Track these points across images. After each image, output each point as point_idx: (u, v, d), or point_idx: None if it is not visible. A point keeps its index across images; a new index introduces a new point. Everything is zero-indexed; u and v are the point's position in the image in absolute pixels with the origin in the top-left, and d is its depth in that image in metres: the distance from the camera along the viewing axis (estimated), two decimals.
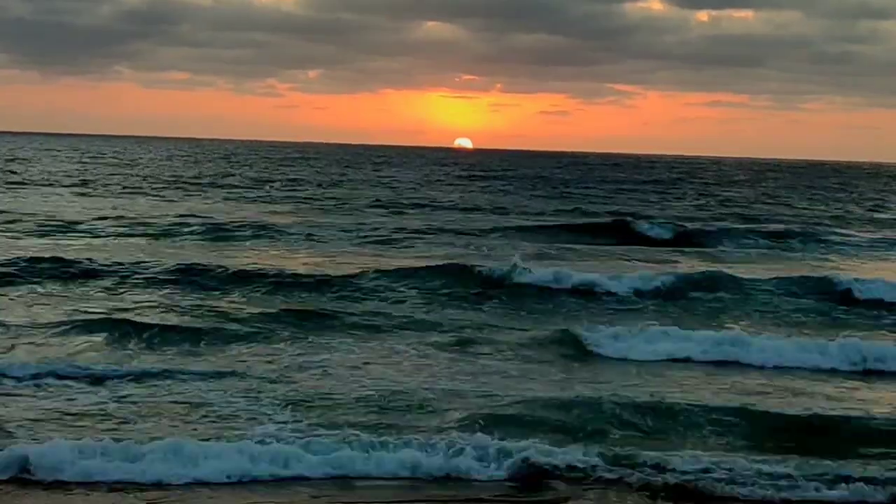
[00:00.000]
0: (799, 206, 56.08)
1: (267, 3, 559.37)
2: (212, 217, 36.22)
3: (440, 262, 24.91)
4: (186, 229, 32.16)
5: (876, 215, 50.17)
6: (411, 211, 43.70)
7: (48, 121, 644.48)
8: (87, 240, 29.47)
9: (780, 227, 39.11)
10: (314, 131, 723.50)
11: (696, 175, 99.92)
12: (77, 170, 70.46)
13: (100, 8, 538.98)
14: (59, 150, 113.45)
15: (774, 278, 23.86)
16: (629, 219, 38.77)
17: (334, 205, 45.64)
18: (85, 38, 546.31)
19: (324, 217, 38.95)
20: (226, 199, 47.35)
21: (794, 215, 47.71)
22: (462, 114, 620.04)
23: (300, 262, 25.99)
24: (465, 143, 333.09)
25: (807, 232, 37.39)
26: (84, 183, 55.97)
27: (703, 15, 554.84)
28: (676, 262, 28.53)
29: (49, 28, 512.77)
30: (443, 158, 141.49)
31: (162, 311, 19.21)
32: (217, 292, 21.32)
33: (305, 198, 49.79)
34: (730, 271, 24.64)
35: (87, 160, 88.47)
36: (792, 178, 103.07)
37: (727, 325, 19.55)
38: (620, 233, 35.84)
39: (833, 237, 36.41)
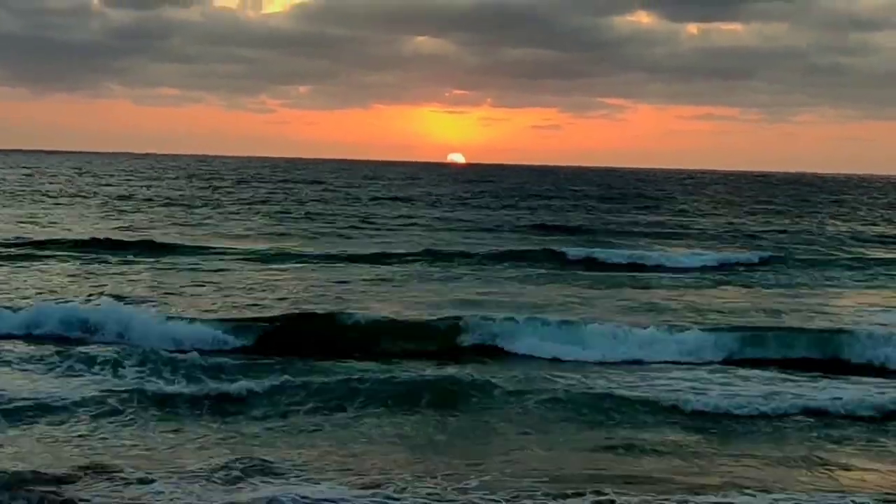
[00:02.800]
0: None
1: (257, 18, 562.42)
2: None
3: None
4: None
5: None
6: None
7: (39, 138, 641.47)
8: None
9: None
10: (305, 147, 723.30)
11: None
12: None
13: (90, 23, 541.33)
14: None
15: None
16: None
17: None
18: (76, 54, 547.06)
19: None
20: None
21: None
22: (453, 129, 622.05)
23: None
24: (458, 158, 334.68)
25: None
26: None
27: (692, 28, 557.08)
28: None
29: (39, 43, 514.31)
30: (429, 172, 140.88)
31: None
32: None
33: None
34: None
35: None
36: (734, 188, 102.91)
37: None
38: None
39: None
